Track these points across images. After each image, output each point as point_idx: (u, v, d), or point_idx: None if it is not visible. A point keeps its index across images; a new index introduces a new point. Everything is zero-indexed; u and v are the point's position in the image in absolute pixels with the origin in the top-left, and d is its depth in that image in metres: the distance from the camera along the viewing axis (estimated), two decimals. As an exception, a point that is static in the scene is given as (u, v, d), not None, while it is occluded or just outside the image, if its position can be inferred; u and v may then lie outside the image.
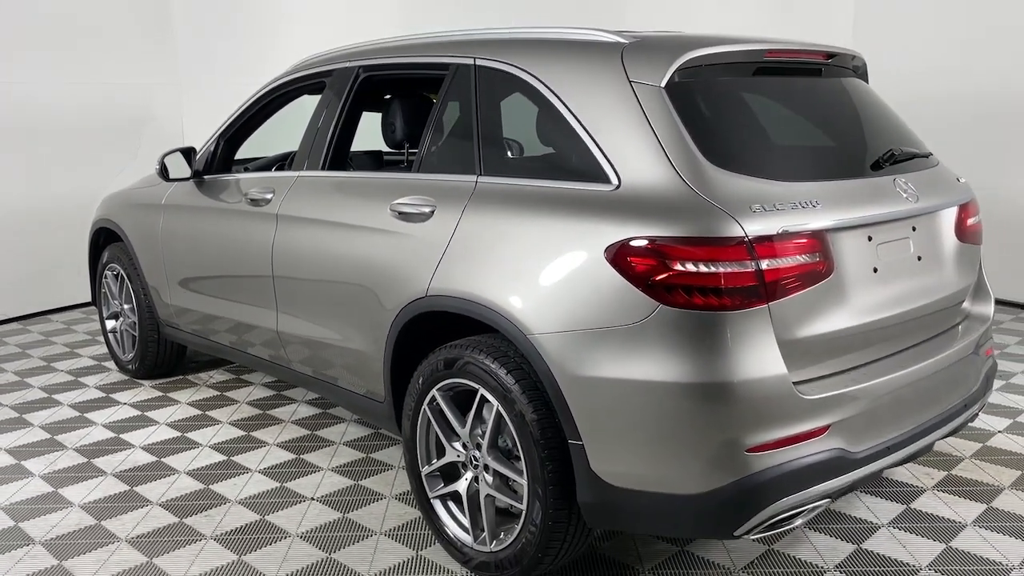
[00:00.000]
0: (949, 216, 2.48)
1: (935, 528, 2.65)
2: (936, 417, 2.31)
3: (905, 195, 2.24)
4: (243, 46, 6.38)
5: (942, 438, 2.43)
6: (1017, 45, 5.50)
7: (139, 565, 2.48)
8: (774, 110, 2.47)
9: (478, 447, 2.32)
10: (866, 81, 2.74)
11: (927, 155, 2.55)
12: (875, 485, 2.95)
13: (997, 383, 4.07)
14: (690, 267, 1.87)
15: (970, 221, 2.56)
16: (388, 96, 3.20)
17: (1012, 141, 5.60)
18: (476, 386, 2.26)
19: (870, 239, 2.15)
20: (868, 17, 6.34)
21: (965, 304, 2.59)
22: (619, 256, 1.95)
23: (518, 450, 2.18)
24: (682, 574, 2.41)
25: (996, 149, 5.67)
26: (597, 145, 2.14)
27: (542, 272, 2.13)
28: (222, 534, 2.67)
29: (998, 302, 5.67)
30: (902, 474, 3.04)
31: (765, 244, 1.89)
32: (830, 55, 2.51)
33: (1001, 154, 5.66)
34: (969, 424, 2.69)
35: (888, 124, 2.57)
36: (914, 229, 2.31)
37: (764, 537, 2.58)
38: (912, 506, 2.80)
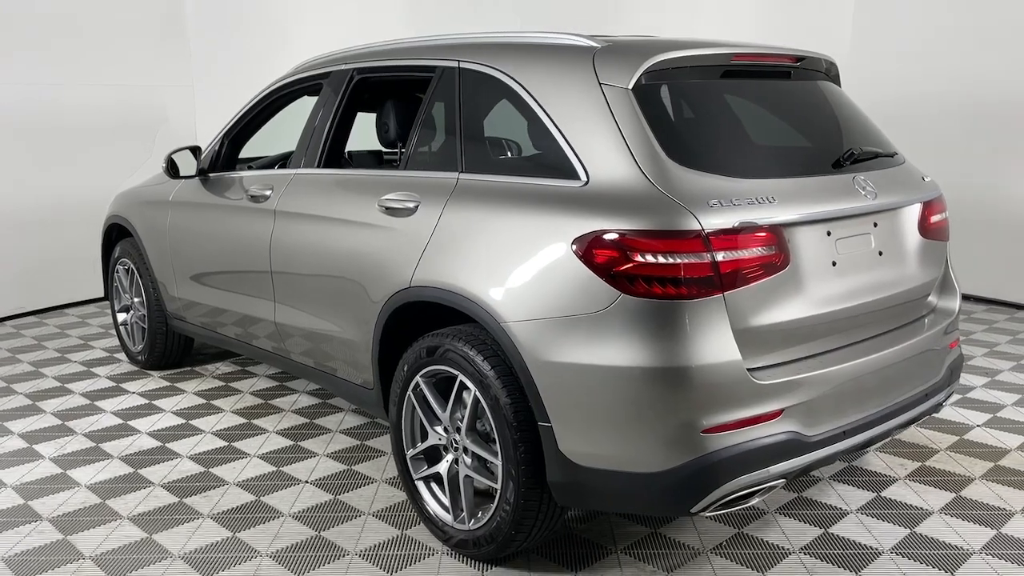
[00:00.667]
0: (912, 213, 2.57)
1: (902, 515, 2.74)
2: (894, 405, 2.41)
3: (864, 192, 2.34)
4: (254, 48, 6.55)
5: (903, 426, 2.52)
6: (1014, 49, 5.56)
7: (139, 540, 2.63)
8: (741, 111, 2.58)
9: (458, 431, 2.44)
10: (838, 84, 2.84)
11: (892, 154, 2.65)
12: (848, 474, 3.05)
13: (982, 379, 4.18)
14: (650, 258, 1.99)
15: (935, 218, 2.65)
16: (381, 97, 3.34)
17: (1010, 142, 5.65)
18: (455, 372, 2.38)
19: (829, 234, 2.26)
20: (866, 22, 6.41)
21: (931, 298, 2.69)
22: (584, 248, 2.07)
23: (494, 433, 2.30)
24: (654, 553, 2.52)
25: (993, 150, 5.73)
26: (568, 144, 2.26)
27: (515, 263, 2.25)
28: (218, 513, 2.81)
29: (995, 302, 5.79)
30: (876, 464, 3.13)
31: (721, 237, 2.00)
32: (799, 59, 2.62)
33: (998, 156, 5.72)
34: (936, 415, 2.80)
35: (855, 125, 2.67)
36: (875, 225, 2.41)
37: (730, 517, 2.70)
38: (882, 494, 2.89)
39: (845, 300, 2.28)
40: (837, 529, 2.65)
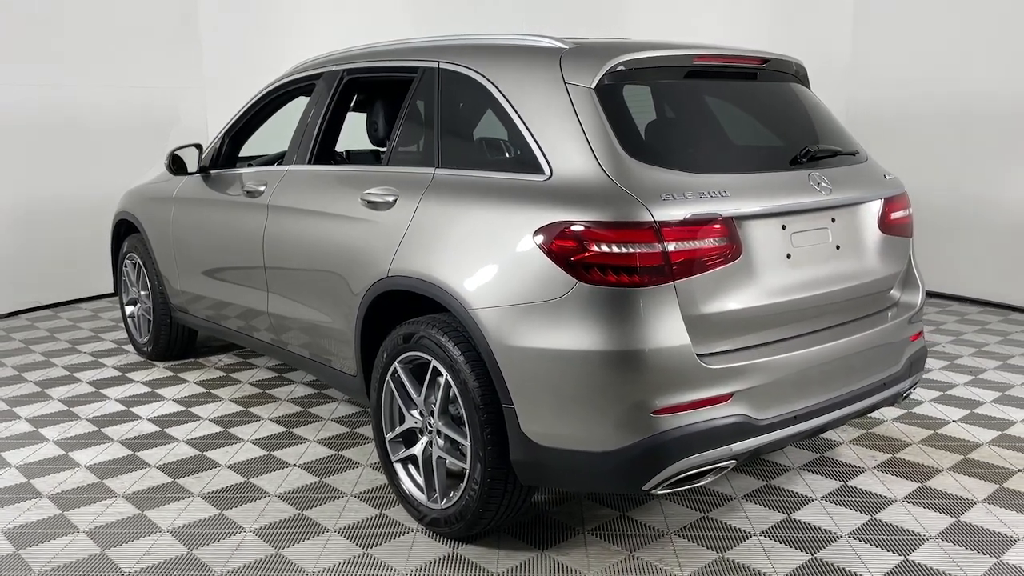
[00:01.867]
0: (872, 209, 2.66)
1: (865, 502, 2.82)
2: (850, 393, 2.50)
3: (819, 188, 2.43)
4: (263, 51, 6.71)
5: (859, 414, 2.61)
6: (1012, 52, 5.60)
7: (131, 516, 2.77)
8: (705, 110, 2.68)
9: (432, 414, 2.56)
10: (807, 86, 2.93)
11: (853, 153, 2.73)
12: (818, 464, 3.13)
13: (966, 377, 4.24)
14: (604, 248, 2.10)
15: (896, 215, 2.73)
16: (370, 97, 3.48)
17: (1009, 145, 5.68)
18: (429, 358, 2.50)
19: (784, 227, 2.35)
20: (867, 27, 6.48)
21: (893, 292, 2.77)
22: (545, 238, 2.18)
23: (464, 415, 2.41)
24: (620, 534, 2.62)
25: (990, 153, 5.78)
26: (535, 140, 2.38)
27: (482, 253, 2.38)
28: (209, 492, 2.95)
29: (990, 304, 5.82)
30: (847, 455, 3.22)
31: (672, 228, 2.11)
32: (764, 60, 2.71)
33: (996, 159, 5.76)
34: (909, 408, 2.87)
35: (819, 125, 2.76)
36: (833, 220, 2.51)
37: (697, 502, 2.79)
38: (849, 483, 2.97)
39: (799, 291, 2.38)
40: (800, 515, 2.74)
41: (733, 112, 2.80)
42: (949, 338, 5.08)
